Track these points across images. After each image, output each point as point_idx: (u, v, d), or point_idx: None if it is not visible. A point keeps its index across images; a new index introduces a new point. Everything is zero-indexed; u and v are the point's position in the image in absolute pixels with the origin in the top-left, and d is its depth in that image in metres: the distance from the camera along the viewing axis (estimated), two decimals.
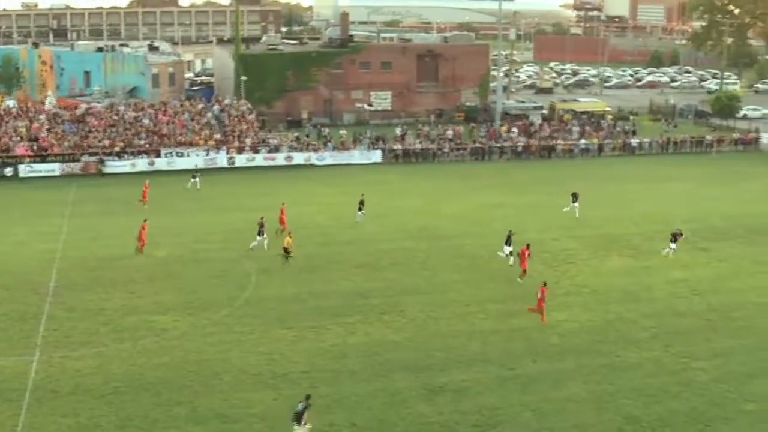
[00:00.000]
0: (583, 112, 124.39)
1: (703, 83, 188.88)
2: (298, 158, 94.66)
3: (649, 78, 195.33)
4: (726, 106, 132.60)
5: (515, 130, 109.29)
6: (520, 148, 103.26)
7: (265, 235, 61.58)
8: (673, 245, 61.46)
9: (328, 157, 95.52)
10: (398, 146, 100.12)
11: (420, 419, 37.42)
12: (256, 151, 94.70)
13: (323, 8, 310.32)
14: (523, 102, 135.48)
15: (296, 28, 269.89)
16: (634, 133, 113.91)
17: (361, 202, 69.42)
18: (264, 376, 41.31)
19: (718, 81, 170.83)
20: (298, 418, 35.33)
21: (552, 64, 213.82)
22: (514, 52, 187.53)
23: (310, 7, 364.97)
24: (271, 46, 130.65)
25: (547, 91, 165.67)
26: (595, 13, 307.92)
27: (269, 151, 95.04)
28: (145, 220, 61.45)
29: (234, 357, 43.49)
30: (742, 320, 50.53)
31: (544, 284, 50.10)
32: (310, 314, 49.20)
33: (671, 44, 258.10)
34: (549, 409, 38.73)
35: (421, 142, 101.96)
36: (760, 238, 67.77)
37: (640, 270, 59.14)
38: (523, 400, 39.45)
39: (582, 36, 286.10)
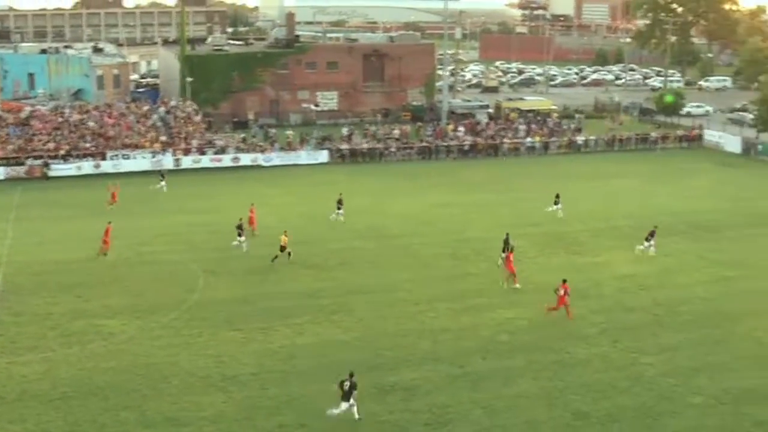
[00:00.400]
0: (528, 111, 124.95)
1: (647, 81, 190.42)
2: (245, 159, 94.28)
3: (594, 76, 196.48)
4: (670, 104, 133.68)
5: (461, 129, 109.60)
6: (466, 147, 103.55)
7: (243, 237, 61.61)
8: (649, 242, 61.99)
9: (275, 158, 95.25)
10: (345, 146, 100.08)
11: (371, 419, 37.41)
12: (203, 153, 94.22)
13: (269, 9, 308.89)
14: (469, 101, 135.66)
15: (242, 29, 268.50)
16: (579, 130, 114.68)
17: (339, 201, 69.64)
18: (213, 379, 41.13)
19: (662, 79, 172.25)
20: (347, 396, 37.24)
21: (498, 63, 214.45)
22: (460, 51, 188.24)
23: (256, 8, 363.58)
24: (216, 47, 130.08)
25: (493, 89, 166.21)
26: (540, 12, 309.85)
27: (216, 153, 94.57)
28: (109, 222, 60.99)
29: (183, 360, 43.28)
30: (689, 315, 51.10)
31: (565, 281, 50.39)
32: (258, 316, 49.06)
33: (616, 43, 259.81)
34: (499, 407, 38.92)
35: (367, 142, 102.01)
36: (704, 234, 68.56)
37: (588, 267, 59.62)
38: (473, 398, 39.61)
39: (527, 35, 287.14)
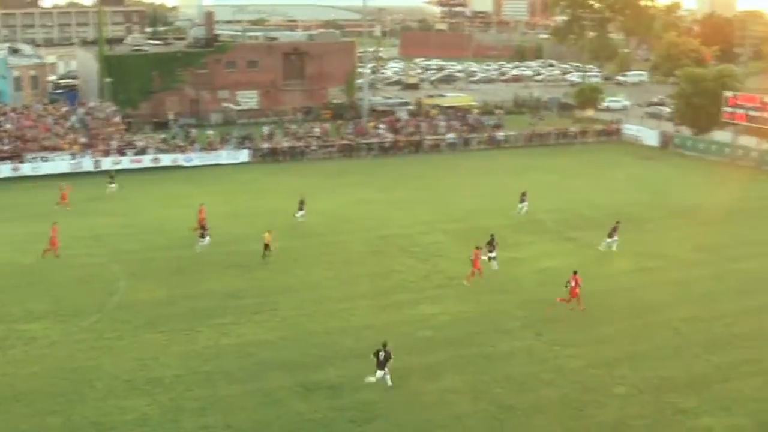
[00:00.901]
0: (449, 107, 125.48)
1: (566, 76, 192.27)
2: (165, 160, 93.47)
3: (514, 72, 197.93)
4: (589, 98, 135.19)
5: (382, 126, 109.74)
6: (387, 144, 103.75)
7: (207, 237, 61.33)
8: (612, 238, 62.50)
9: (196, 158, 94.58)
10: (266, 145, 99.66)
11: (296, 418, 37.45)
12: (123, 154, 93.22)
13: (188, 8, 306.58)
14: (389, 98, 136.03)
15: (161, 29, 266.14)
16: (499, 126, 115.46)
17: (302, 202, 69.33)
18: (137, 382, 40.80)
19: (581, 74, 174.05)
20: (382, 365, 39.87)
21: (418, 60, 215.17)
22: (380, 48, 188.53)
23: (175, 7, 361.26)
24: (135, 47, 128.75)
25: (414, 86, 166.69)
26: (459, 8, 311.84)
27: (136, 154, 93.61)
28: (54, 223, 60.20)
29: (106, 363, 42.87)
30: (610, 306, 51.83)
31: (575, 273, 50.99)
32: (181, 317, 48.77)
33: (535, 38, 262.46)
34: (425, 401, 39.16)
35: (288, 141, 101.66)
36: (624, 226, 69.24)
37: (510, 261, 59.99)
38: (398, 394, 39.77)
39: (447, 32, 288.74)
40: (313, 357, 43.69)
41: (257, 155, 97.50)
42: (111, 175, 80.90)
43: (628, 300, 53.07)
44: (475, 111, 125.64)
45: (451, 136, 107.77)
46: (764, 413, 39.10)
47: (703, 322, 49.77)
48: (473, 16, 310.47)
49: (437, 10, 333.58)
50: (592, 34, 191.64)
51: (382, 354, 40.28)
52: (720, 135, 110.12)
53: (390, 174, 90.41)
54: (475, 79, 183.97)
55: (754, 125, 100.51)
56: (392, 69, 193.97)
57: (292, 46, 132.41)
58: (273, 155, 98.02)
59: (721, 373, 43.12)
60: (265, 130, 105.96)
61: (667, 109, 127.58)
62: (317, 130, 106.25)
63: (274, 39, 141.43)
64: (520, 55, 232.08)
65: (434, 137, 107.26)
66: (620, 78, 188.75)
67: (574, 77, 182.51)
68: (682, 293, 54.60)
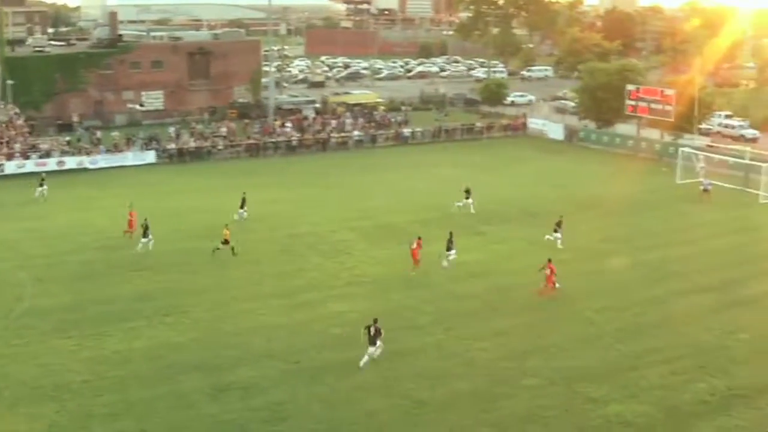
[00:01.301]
0: (355, 105, 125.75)
1: (471, 72, 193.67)
2: (71, 162, 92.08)
3: (420, 69, 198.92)
4: (494, 94, 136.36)
5: (289, 124, 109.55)
6: (294, 143, 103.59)
7: (150, 237, 60.68)
8: (557, 232, 62.81)
9: (101, 160, 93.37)
10: (172, 146, 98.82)
11: (209, 420, 37.22)
12: (27, 157, 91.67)
13: (91, 8, 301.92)
14: (296, 96, 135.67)
15: (64, 29, 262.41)
16: (406, 122, 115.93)
17: (243, 200, 69.12)
18: (45, 389, 40.12)
19: (486, 69, 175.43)
20: (373, 340, 42.00)
21: (324, 58, 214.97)
22: (286, 47, 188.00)
23: (78, 8, 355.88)
24: (37, 48, 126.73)
25: (320, 84, 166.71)
26: (364, 6, 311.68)
27: (40, 157, 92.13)
28: None
29: (13, 371, 42.13)
30: (520, 299, 52.33)
31: (550, 260, 52.98)
32: (91, 321, 48.10)
33: (439, 35, 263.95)
34: (337, 399, 39.18)
35: (195, 141, 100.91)
36: (532, 220, 70.23)
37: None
38: (311, 392, 39.78)
39: (353, 29, 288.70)
40: (224, 358, 43.46)
41: (164, 156, 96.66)
42: (42, 178, 79.38)
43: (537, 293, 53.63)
44: (382, 108, 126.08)
45: (357, 134, 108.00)
46: (670, 399, 39.87)
47: (613, 312, 50.58)
48: (378, 14, 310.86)
49: (342, 7, 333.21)
50: (496, 30, 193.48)
51: (372, 329, 42.15)
52: (623, 128, 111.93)
53: (297, 173, 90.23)
54: (380, 76, 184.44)
55: (656, 118, 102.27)
56: (298, 67, 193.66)
57: (197, 46, 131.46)
58: (180, 156, 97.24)
59: (630, 362, 43.87)
60: (171, 130, 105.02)
61: (572, 104, 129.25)
62: (224, 130, 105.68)
63: (178, 39, 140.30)
64: (426, 51, 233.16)
65: (341, 135, 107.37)
66: (525, 73, 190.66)
67: (480, 73, 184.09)
68: (593, 284, 55.39)
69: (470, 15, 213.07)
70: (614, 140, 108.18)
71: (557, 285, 52.87)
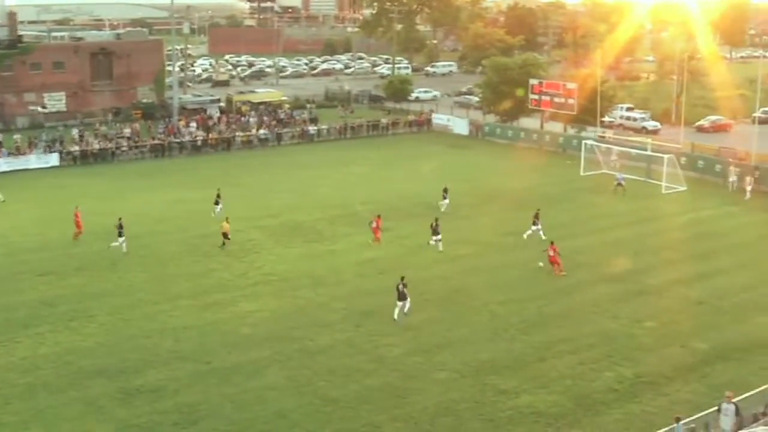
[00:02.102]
0: (260, 103, 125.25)
1: (375, 69, 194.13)
2: None
3: (324, 66, 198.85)
4: (399, 90, 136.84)
5: (193, 124, 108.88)
6: (199, 143, 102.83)
7: (124, 237, 60.02)
8: (537, 225, 63.39)
9: (3, 164, 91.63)
10: (76, 148, 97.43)
11: (119, 424, 36.74)
12: None
13: None
14: (200, 96, 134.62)
15: None
16: (315, 120, 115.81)
17: (218, 196, 69.55)
18: None
19: (390, 66, 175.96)
20: (401, 297, 47.46)
21: (228, 57, 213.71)
22: (189, 46, 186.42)
23: None
24: None
25: (224, 83, 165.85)
26: (268, 4, 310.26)
27: None
28: None
29: None
30: (428, 294, 52.49)
31: (552, 243, 56.56)
32: None
33: (344, 32, 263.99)
34: (249, 399, 38.99)
35: (99, 142, 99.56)
36: (438, 214, 70.45)
37: (326, 254, 60.44)
38: (222, 393, 39.51)
39: (256, 27, 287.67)
40: (132, 361, 42.96)
41: (67, 158, 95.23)
42: None
43: (444, 287, 53.98)
44: (287, 106, 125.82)
45: (263, 132, 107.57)
46: (579, 388, 40.40)
47: (518, 304, 51.07)
48: (282, 12, 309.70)
49: (246, 6, 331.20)
50: (400, 26, 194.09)
51: (400, 286, 47.76)
52: (527, 122, 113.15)
53: (203, 172, 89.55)
54: (285, 74, 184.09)
55: (559, 111, 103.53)
56: (202, 66, 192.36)
57: (99, 46, 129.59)
58: (84, 158, 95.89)
59: (538, 353, 44.33)
60: (75, 132, 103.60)
61: (476, 98, 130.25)
62: (127, 131, 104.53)
63: (80, 39, 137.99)
64: (330, 49, 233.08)
65: (246, 134, 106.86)
66: (429, 69, 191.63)
67: (384, 70, 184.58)
68: (497, 277, 55.87)
69: (374, 12, 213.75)
70: (518, 134, 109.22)
71: (552, 266, 56.35)
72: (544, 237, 62.49)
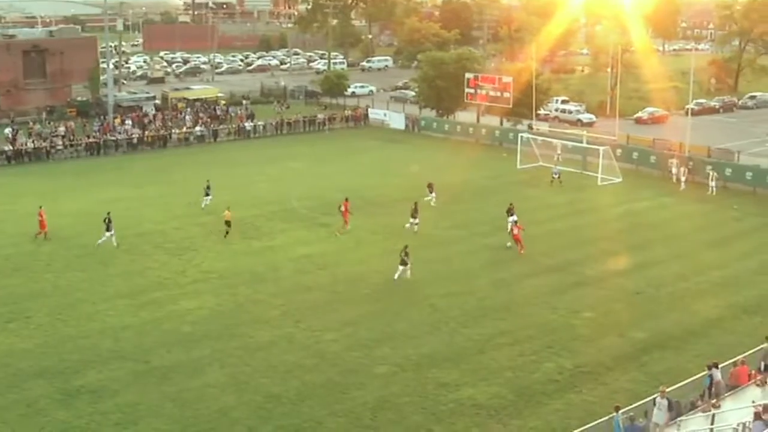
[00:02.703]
0: (196, 100, 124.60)
1: (311, 64, 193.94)
2: None
3: (260, 62, 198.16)
4: (335, 85, 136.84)
5: (129, 122, 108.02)
6: (135, 140, 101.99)
7: (112, 231, 60.44)
8: (511, 217, 63.51)
9: None
10: (8, 147, 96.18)
11: (60, 426, 36.43)
12: None
13: None
14: (135, 93, 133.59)
15: None
16: (252, 116, 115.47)
17: (208, 187, 70.55)
18: None
19: (326, 61, 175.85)
20: (404, 262, 53.56)
21: (162, 53, 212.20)
22: (123, 43, 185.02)
23: None
24: None
25: (159, 80, 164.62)
26: (202, 0, 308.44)
27: None
28: None
29: None
30: (367, 289, 52.76)
31: (516, 222, 60.68)
32: None
33: (279, 28, 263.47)
34: (189, 398, 38.84)
35: (33, 141, 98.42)
36: (375, 209, 70.80)
37: (264, 250, 60.37)
38: (162, 392, 39.33)
39: (191, 24, 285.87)
40: (72, 362, 42.59)
41: (1, 158, 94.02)
42: None
43: (383, 281, 54.14)
44: (223, 102, 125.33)
45: (199, 129, 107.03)
46: (519, 380, 40.78)
47: (458, 297, 51.39)
48: (217, 8, 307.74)
49: (180, 2, 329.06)
50: (335, 21, 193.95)
51: (403, 253, 53.77)
52: (464, 116, 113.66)
53: (140, 170, 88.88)
54: (221, 70, 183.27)
55: (494, 105, 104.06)
56: (136, 63, 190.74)
57: (32, 44, 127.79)
58: (17, 157, 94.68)
59: (478, 346, 44.65)
60: (8, 131, 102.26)
61: (412, 93, 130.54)
62: (62, 129, 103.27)
63: (12, 36, 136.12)
64: (265, 44, 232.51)
65: (182, 131, 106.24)
66: (365, 64, 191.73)
67: (320, 65, 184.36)
68: (437, 271, 56.15)
69: (309, 7, 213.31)
70: (455, 128, 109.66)
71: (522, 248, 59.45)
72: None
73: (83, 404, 38.30)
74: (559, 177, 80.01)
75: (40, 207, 64.13)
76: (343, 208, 64.22)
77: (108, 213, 61.46)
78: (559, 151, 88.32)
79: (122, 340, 45.13)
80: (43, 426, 36.49)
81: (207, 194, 71.06)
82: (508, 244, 60.33)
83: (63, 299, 51.17)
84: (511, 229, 60.24)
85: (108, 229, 60.74)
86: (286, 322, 47.61)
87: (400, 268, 53.52)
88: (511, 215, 63.60)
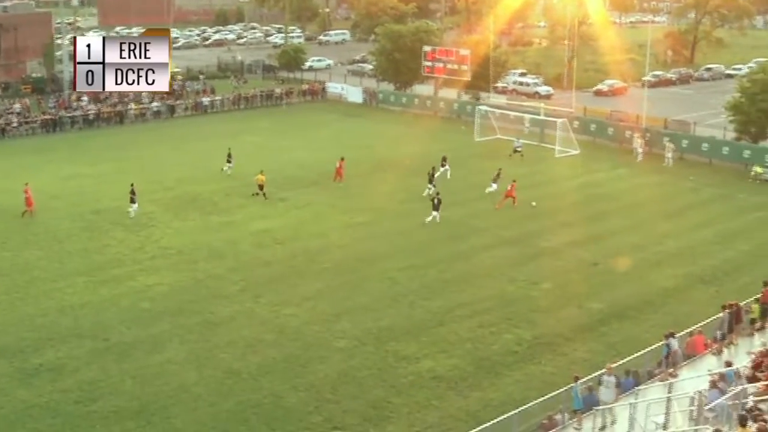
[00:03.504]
0: None
1: (268, 38, 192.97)
2: None
3: (216, 36, 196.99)
4: (292, 59, 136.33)
5: (85, 98, 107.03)
6: (91, 117, 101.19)
7: (137, 204, 61.71)
8: (494, 183, 67.09)
9: None
10: None
11: (20, 405, 36.28)
12: None
13: None
14: None
15: None
16: (213, 91, 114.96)
17: (229, 155, 75.06)
18: None
19: (283, 35, 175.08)
20: (436, 207, 59.69)
21: (118, 29, 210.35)
22: (78, 18, 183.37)
23: None
24: None
25: None
26: None
27: None
28: None
29: None
30: (326, 263, 52.88)
31: (514, 181, 64.85)
32: None
33: (236, 2, 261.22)
34: (149, 374, 38.82)
35: None
36: (332, 183, 70.78)
37: (223, 226, 60.26)
38: (122, 369, 39.27)
39: None
40: (31, 341, 42.34)
41: None
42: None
43: (342, 256, 54.29)
44: (179, 77, 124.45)
45: (156, 105, 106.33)
46: (479, 351, 41.13)
47: (417, 270, 51.62)
48: None
49: None
50: None
51: (436, 200, 59.99)
52: (422, 89, 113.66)
53: (96, 147, 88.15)
54: (177, 45, 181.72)
55: (452, 77, 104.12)
56: None
57: None
58: None
59: (437, 318, 44.92)
60: None
61: (370, 66, 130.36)
62: (17, 106, 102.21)
63: None
64: (222, 19, 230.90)
65: (139, 106, 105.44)
66: (322, 38, 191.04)
67: (277, 39, 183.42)
68: (396, 244, 56.37)
69: None
70: (413, 101, 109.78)
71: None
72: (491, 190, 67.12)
73: (43, 383, 38.15)
74: (518, 150, 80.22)
75: (26, 184, 63.54)
76: (338, 165, 70.94)
77: (132, 185, 62.72)
78: (527, 124, 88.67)
79: (81, 318, 44.93)
80: (2, 405, 36.30)
81: (229, 161, 74.33)
82: (533, 203, 65.06)
83: (20, 277, 50.81)
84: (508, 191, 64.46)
85: (132, 201, 61.88)
86: (245, 297, 47.61)
87: (434, 213, 59.61)
88: (494, 181, 67.15)
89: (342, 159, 70.16)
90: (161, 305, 46.48)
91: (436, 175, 69.41)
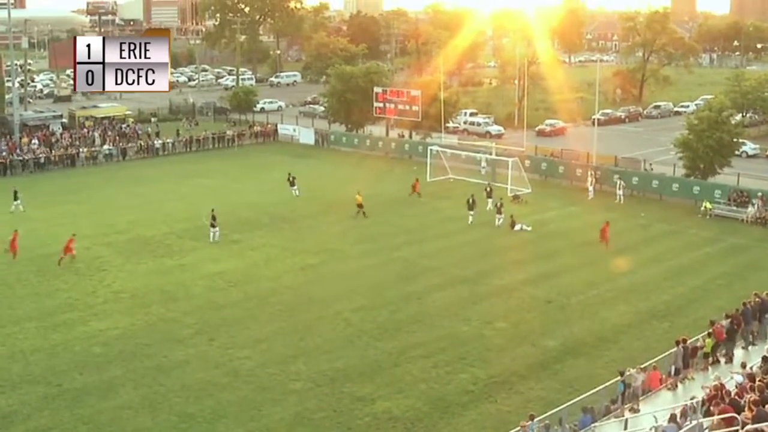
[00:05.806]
0: (104, 118, 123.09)
1: (219, 80, 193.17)
2: None
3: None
4: (244, 101, 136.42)
5: (36, 141, 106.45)
6: (42, 160, 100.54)
7: (218, 228, 65.91)
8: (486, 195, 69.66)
9: None
10: None
11: None
12: None
13: None
14: (42, 112, 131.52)
15: None
16: (158, 134, 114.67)
17: (293, 178, 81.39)
18: None
19: (234, 77, 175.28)
20: (470, 207, 69.40)
21: (69, 72, 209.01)
22: (29, 61, 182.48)
23: None
24: None
25: (66, 98, 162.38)
26: (109, 17, 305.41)
27: None
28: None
29: None
30: (279, 305, 52.65)
31: (607, 223, 66.25)
32: None
33: (186, 44, 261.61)
34: (103, 420, 38.35)
35: None
36: (284, 225, 70.85)
37: (175, 269, 59.87)
38: (75, 415, 38.74)
39: None
40: None
41: None
42: (15, 191, 77.17)
43: (295, 297, 54.10)
44: (131, 120, 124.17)
45: (107, 148, 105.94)
46: (434, 391, 41.04)
47: (370, 311, 51.52)
48: (124, 24, 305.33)
49: (86, 19, 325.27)
50: (243, 37, 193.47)
51: (470, 200, 69.36)
52: (373, 129, 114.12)
53: (47, 190, 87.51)
54: None
55: (403, 118, 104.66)
56: (43, 82, 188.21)
57: None
58: None
59: (392, 359, 44.82)
60: None
61: (321, 108, 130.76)
62: None
63: None
64: (173, 61, 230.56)
65: (90, 150, 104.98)
66: (274, 79, 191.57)
67: (228, 81, 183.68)
68: (349, 285, 56.26)
69: (216, 23, 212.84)
70: (364, 142, 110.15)
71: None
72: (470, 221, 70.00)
73: None
74: (520, 197, 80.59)
75: (15, 231, 63.49)
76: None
77: (212, 209, 66.25)
78: (483, 164, 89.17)
79: (32, 364, 44.39)
80: None
81: (293, 184, 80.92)
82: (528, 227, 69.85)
83: None
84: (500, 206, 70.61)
85: (213, 226, 64.82)
86: (199, 341, 47.30)
87: (470, 213, 69.48)
88: (489, 196, 73.96)
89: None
90: (114, 350, 46.06)
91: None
